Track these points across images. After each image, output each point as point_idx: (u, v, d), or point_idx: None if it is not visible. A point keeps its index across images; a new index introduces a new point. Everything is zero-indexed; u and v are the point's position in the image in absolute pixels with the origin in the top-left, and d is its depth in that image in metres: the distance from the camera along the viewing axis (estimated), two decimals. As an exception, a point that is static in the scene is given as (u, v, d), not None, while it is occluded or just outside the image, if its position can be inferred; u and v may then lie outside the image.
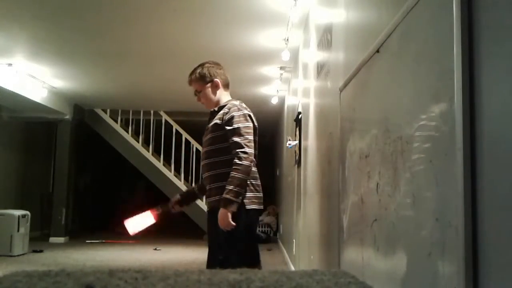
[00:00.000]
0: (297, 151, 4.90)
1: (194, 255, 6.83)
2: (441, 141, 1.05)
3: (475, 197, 0.92)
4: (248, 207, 2.45)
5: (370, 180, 1.66)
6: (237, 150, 2.42)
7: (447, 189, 1.01)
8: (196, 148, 9.23)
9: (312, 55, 3.87)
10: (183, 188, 8.91)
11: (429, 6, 1.18)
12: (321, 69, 3.27)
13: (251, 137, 2.46)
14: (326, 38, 3.02)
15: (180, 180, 8.96)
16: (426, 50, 1.18)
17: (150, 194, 10.03)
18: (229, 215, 2.37)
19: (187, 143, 9.18)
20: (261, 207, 2.55)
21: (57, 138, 8.55)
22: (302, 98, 4.71)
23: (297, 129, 4.91)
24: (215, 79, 2.69)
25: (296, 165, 5.01)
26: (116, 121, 8.95)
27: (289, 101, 6.85)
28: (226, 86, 2.73)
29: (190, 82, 2.79)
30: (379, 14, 1.74)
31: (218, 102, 2.68)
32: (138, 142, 8.93)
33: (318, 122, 3.42)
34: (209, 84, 2.70)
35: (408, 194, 1.26)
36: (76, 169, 8.97)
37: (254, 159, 2.48)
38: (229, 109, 2.53)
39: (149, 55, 5.65)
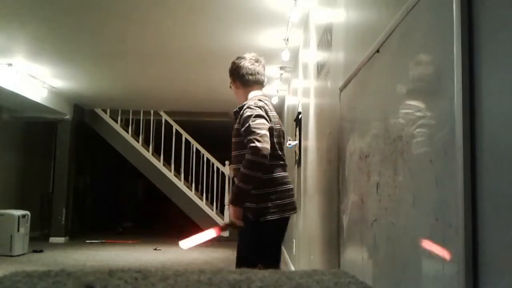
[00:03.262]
0: (297, 151, 4.90)
1: (194, 255, 6.83)
2: (441, 141, 1.05)
3: (475, 197, 0.92)
4: (261, 219, 2.36)
5: (370, 180, 1.66)
6: (248, 145, 2.31)
7: (447, 189, 1.01)
8: (196, 148, 9.24)
9: (312, 55, 3.87)
10: (183, 188, 8.91)
11: (429, 6, 1.18)
12: (321, 69, 3.27)
13: (263, 132, 2.32)
14: (326, 38, 3.02)
15: (180, 180, 8.96)
16: (426, 50, 1.18)
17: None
18: (236, 210, 2.34)
19: (187, 143, 9.18)
20: (280, 215, 2.39)
21: (57, 138, 8.55)
22: (302, 98, 4.71)
23: (297, 129, 4.91)
24: (236, 80, 2.61)
25: (296, 165, 5.01)
26: (116, 121, 8.95)
27: (289, 101, 6.86)
28: (253, 84, 2.59)
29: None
30: (379, 14, 1.74)
31: (244, 101, 2.57)
32: (138, 142, 8.93)
33: (318, 122, 3.42)
34: (234, 82, 2.63)
35: (408, 194, 1.26)
36: (76, 169, 8.96)
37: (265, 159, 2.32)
38: (244, 110, 2.45)
39: (149, 55, 5.65)
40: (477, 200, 0.91)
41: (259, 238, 2.39)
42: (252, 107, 2.41)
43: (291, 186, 2.51)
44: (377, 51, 1.59)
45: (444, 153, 1.03)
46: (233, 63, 2.62)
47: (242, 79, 2.57)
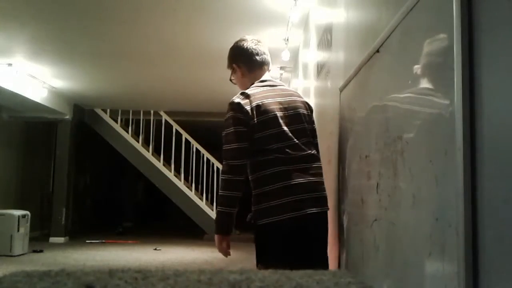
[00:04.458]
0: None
1: (194, 255, 6.83)
2: (441, 141, 1.05)
3: (475, 197, 0.92)
4: (259, 222, 2.05)
5: (370, 180, 1.66)
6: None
7: (447, 189, 1.01)
8: (196, 148, 9.24)
9: (312, 55, 3.87)
10: (183, 188, 8.91)
11: (429, 6, 1.18)
12: (321, 69, 3.27)
13: (229, 146, 2.07)
14: (326, 38, 3.02)
15: (180, 180, 8.96)
16: (426, 50, 1.18)
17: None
18: (217, 238, 2.10)
19: (187, 143, 9.18)
20: (276, 218, 2.00)
21: (57, 138, 8.54)
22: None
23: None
24: (233, 65, 2.30)
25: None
26: (116, 121, 8.95)
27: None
28: (259, 66, 2.26)
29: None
30: (379, 14, 1.74)
31: None
32: (138, 142, 8.93)
33: (318, 122, 3.41)
34: (233, 72, 2.32)
35: (408, 194, 1.26)
36: (76, 169, 8.96)
37: (235, 167, 2.05)
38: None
39: (149, 55, 5.65)
40: (477, 200, 0.91)
41: (261, 245, 2.11)
42: (228, 107, 2.12)
43: (294, 181, 2.03)
44: (377, 51, 1.59)
45: (444, 153, 1.03)
46: (234, 47, 2.31)
47: (248, 60, 2.26)
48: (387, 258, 1.44)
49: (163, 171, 8.89)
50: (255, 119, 2.06)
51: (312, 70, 3.88)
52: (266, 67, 2.29)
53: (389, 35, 1.46)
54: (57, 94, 7.66)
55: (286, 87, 2.36)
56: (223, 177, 2.07)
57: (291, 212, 2.01)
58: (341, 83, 2.31)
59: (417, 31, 1.25)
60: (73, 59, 5.90)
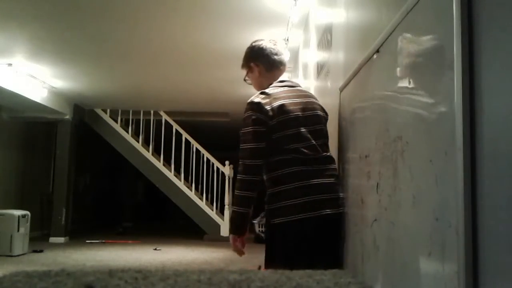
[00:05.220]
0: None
1: (194, 255, 6.83)
2: (441, 141, 1.05)
3: (475, 197, 0.92)
4: (273, 221, 2.04)
5: (370, 180, 1.66)
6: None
7: (447, 189, 1.01)
8: (196, 148, 9.23)
9: (312, 55, 3.87)
10: (183, 188, 8.90)
11: (429, 6, 1.18)
12: (321, 69, 3.27)
13: (246, 145, 2.04)
14: (326, 38, 3.02)
15: (180, 180, 8.96)
16: (426, 50, 1.18)
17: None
18: (231, 238, 2.10)
19: (187, 143, 9.18)
20: (294, 217, 1.97)
21: (57, 138, 8.54)
22: (302, 98, 4.71)
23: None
24: (251, 64, 2.29)
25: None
26: (116, 121, 8.95)
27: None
28: (278, 65, 2.28)
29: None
30: (379, 14, 1.74)
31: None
32: (138, 142, 8.93)
33: (318, 122, 3.42)
34: (250, 72, 2.32)
35: (408, 194, 1.26)
36: (76, 169, 8.96)
37: (255, 168, 2.03)
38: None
39: (149, 55, 5.65)
40: (477, 200, 0.91)
41: (274, 245, 2.09)
42: (247, 106, 2.10)
43: (310, 181, 2.01)
44: (377, 51, 1.59)
45: (444, 153, 1.03)
46: (253, 47, 2.33)
47: (268, 59, 2.27)
48: (387, 258, 1.44)
49: (163, 171, 8.89)
50: (275, 119, 2.05)
51: (312, 70, 3.88)
52: (283, 68, 2.31)
53: (389, 35, 1.46)
54: (57, 94, 7.66)
55: (303, 88, 2.36)
56: (239, 177, 2.06)
57: (307, 213, 1.98)
58: (341, 83, 2.31)
59: (417, 31, 1.25)
60: (73, 59, 5.90)
